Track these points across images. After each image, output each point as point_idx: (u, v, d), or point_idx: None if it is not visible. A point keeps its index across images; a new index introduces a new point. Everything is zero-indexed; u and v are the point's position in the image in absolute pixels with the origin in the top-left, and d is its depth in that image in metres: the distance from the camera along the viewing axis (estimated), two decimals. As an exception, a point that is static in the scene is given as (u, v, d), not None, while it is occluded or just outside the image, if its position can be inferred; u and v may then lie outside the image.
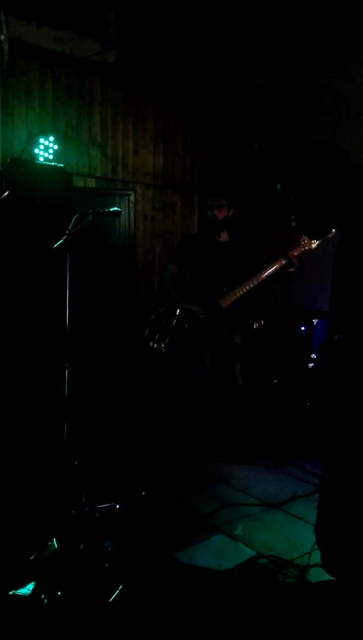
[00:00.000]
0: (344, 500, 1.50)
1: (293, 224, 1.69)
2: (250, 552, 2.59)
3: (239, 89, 5.53)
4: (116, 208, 2.69)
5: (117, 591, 1.90)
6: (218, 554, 2.58)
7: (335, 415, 1.57)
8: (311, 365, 4.04)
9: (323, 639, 1.75)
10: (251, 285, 3.49)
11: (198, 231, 5.78)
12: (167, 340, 3.42)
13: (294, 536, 2.75)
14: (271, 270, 3.46)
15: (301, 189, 1.60)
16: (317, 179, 1.56)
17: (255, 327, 4.50)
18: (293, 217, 1.68)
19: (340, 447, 1.55)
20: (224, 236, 3.76)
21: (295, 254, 3.40)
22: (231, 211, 3.69)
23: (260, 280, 3.48)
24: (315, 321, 4.03)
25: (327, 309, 4.33)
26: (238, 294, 3.51)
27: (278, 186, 1.67)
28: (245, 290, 3.50)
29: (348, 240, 1.55)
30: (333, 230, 1.71)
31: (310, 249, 3.38)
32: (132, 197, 5.51)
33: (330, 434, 1.61)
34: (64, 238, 2.49)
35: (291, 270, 3.44)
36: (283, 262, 3.41)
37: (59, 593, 1.86)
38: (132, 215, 5.51)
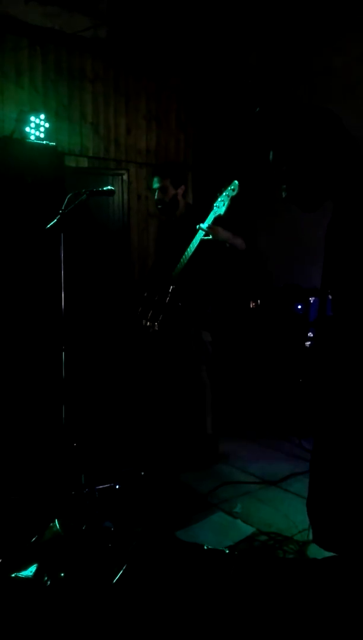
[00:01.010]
0: (334, 476, 1.50)
1: (284, 194, 1.65)
2: (250, 529, 2.61)
3: (232, 66, 5.43)
4: (109, 187, 2.65)
5: (121, 572, 1.91)
6: (218, 531, 2.60)
7: (326, 391, 1.56)
8: (308, 343, 4.04)
9: (324, 613, 1.77)
10: (184, 261, 3.34)
11: None
12: (160, 318, 3.37)
13: (292, 513, 2.77)
14: (192, 245, 3.30)
15: (293, 157, 1.56)
16: (310, 146, 1.51)
17: (251, 306, 4.49)
18: (284, 187, 1.64)
19: (330, 423, 1.55)
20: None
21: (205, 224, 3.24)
22: (182, 187, 3.56)
23: (188, 256, 3.32)
24: (311, 299, 4.03)
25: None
26: (177, 272, 3.37)
27: (271, 154, 1.63)
28: (181, 268, 3.35)
29: (342, 212, 1.51)
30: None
31: (220, 215, 3.22)
32: (125, 177, 5.43)
33: (320, 410, 1.60)
34: (57, 218, 2.45)
35: (212, 236, 3.24)
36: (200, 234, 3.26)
37: (62, 575, 1.87)
38: (125, 195, 5.44)
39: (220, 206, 3.20)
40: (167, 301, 3.37)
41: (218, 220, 3.24)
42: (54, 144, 3.79)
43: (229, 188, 3.19)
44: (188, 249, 3.32)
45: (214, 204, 3.22)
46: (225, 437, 3.92)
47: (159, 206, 3.56)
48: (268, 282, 4.69)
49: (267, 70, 5.07)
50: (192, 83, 5.79)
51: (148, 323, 3.41)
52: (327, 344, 1.58)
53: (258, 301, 4.49)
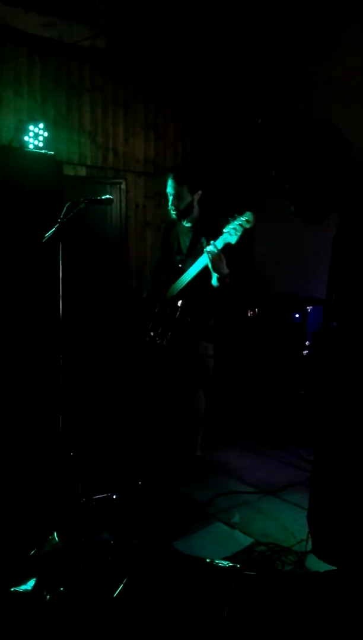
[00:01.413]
0: (335, 489, 1.49)
1: (292, 209, 1.65)
2: (248, 540, 2.59)
3: (231, 76, 5.47)
4: (108, 196, 2.66)
5: (121, 586, 1.88)
6: (217, 542, 2.58)
7: (328, 402, 1.56)
8: (305, 352, 4.04)
9: (323, 625, 1.75)
10: (185, 281, 3.27)
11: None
12: (169, 335, 3.33)
13: (291, 523, 2.76)
14: (196, 265, 3.22)
15: (296, 173, 1.56)
16: (312, 160, 1.52)
17: (249, 315, 4.49)
18: (291, 202, 1.64)
19: (332, 433, 1.54)
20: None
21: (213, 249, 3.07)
22: (199, 193, 3.42)
23: (190, 277, 3.25)
24: (309, 308, 4.03)
25: (321, 297, 4.32)
26: (180, 287, 3.32)
27: (273, 172, 1.63)
28: (184, 283, 3.29)
29: (348, 224, 1.52)
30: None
31: (230, 244, 3.01)
32: (123, 186, 5.44)
33: (323, 421, 1.59)
34: (56, 227, 2.45)
35: (211, 266, 3.11)
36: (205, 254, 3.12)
37: (62, 589, 1.84)
38: (123, 204, 5.45)
39: (232, 234, 3.00)
40: (177, 316, 3.33)
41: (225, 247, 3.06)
42: (52, 153, 3.81)
43: (243, 218, 2.99)
44: (189, 271, 3.26)
45: (225, 230, 3.03)
46: (223, 446, 3.91)
47: (174, 212, 3.44)
48: (266, 291, 4.70)
49: (266, 80, 5.11)
50: (190, 93, 5.83)
51: (157, 338, 3.36)
52: (330, 354, 1.58)
53: (256, 310, 4.49)
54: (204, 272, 3.21)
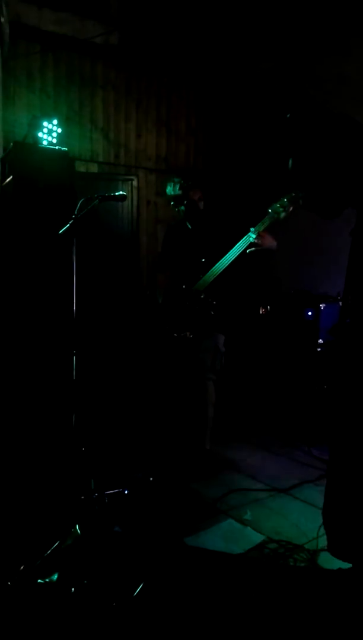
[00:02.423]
0: (351, 486, 1.49)
1: (301, 202, 1.64)
2: (260, 537, 2.59)
3: (243, 72, 5.44)
4: (121, 192, 2.66)
5: (141, 586, 1.89)
6: (228, 538, 2.58)
7: (344, 397, 1.55)
8: (318, 349, 4.02)
9: (336, 622, 1.75)
10: (222, 267, 3.33)
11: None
12: (195, 327, 3.40)
13: (303, 521, 2.75)
14: (235, 249, 3.28)
15: (312, 164, 1.54)
16: (332, 153, 1.50)
17: (261, 312, 4.47)
18: (302, 194, 1.63)
19: (349, 430, 1.53)
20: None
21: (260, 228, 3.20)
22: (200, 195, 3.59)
23: (230, 260, 3.30)
24: (322, 306, 4.00)
25: (333, 294, 4.29)
26: (211, 278, 3.38)
27: (290, 162, 1.61)
28: (216, 273, 3.35)
29: None
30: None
31: (278, 219, 3.17)
32: (135, 182, 5.45)
33: (339, 416, 1.58)
34: (70, 223, 2.45)
35: (260, 244, 3.20)
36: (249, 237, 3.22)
37: (85, 582, 1.85)
38: (135, 201, 5.45)
39: (280, 212, 3.13)
40: (198, 309, 3.39)
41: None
42: (66, 149, 3.80)
43: (292, 194, 3.08)
44: (227, 256, 3.30)
45: (271, 208, 3.15)
46: (234, 443, 3.90)
47: (192, 218, 3.55)
48: (278, 288, 4.67)
49: (281, 76, 5.07)
50: (202, 89, 5.81)
51: (182, 333, 3.42)
52: (346, 351, 1.56)
53: (268, 307, 4.48)
54: (240, 258, 3.28)
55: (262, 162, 5.01)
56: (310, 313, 4.05)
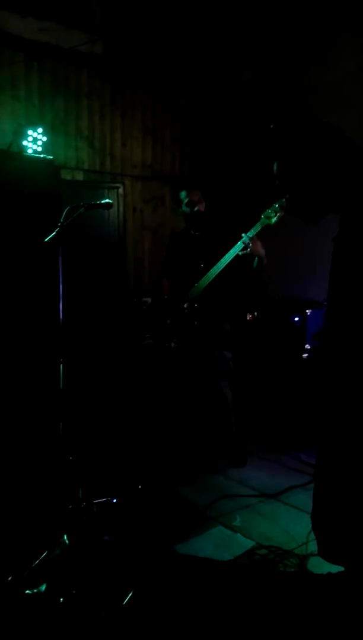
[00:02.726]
0: (339, 489, 1.50)
1: (286, 206, 1.65)
2: (250, 543, 2.59)
3: (228, 81, 5.49)
4: (107, 200, 2.66)
5: (130, 594, 1.88)
6: (218, 545, 2.58)
7: (329, 403, 1.56)
8: (305, 355, 4.04)
9: (326, 626, 1.75)
10: (214, 274, 3.40)
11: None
12: (179, 337, 3.42)
13: (292, 526, 2.76)
14: (228, 255, 3.35)
15: (296, 169, 1.56)
16: (314, 158, 1.52)
17: (248, 318, 4.49)
18: (285, 199, 1.65)
19: (334, 434, 1.54)
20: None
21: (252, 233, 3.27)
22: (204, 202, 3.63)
23: (221, 267, 3.37)
24: (308, 311, 4.03)
25: (319, 299, 4.32)
26: (204, 285, 3.43)
27: (274, 166, 1.63)
28: (210, 279, 3.40)
29: (349, 225, 1.52)
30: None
31: (269, 224, 3.23)
32: (121, 190, 5.46)
33: (324, 422, 1.59)
34: (56, 231, 2.45)
35: (250, 251, 3.26)
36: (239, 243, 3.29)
37: (74, 592, 1.83)
38: (121, 208, 5.46)
39: (271, 217, 3.22)
40: (184, 319, 3.42)
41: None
42: (51, 157, 3.81)
43: (282, 200, 3.11)
44: (221, 262, 3.36)
45: (263, 214, 3.23)
46: (225, 461, 3.88)
47: (202, 218, 3.59)
48: (265, 294, 4.70)
49: (265, 86, 5.13)
50: (188, 97, 5.85)
51: (166, 343, 3.45)
52: (329, 356, 1.58)
53: (255, 313, 4.50)
54: (230, 269, 3.36)
55: (248, 169, 5.05)
56: (296, 319, 4.08)
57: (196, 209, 3.56)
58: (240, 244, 3.29)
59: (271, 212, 3.21)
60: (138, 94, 5.51)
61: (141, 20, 5.23)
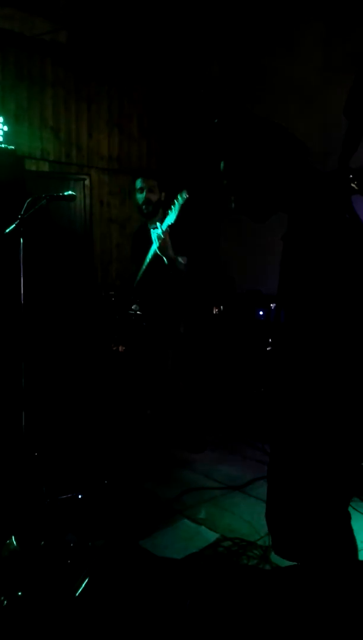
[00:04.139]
0: (289, 484, 1.51)
1: (233, 205, 1.65)
2: (214, 536, 2.60)
3: (194, 74, 5.46)
4: (70, 192, 2.62)
5: (83, 585, 1.86)
6: (183, 538, 2.58)
7: (280, 397, 1.57)
8: (269, 348, 4.08)
9: (285, 618, 1.78)
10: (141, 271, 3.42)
11: None
12: (127, 341, 3.40)
13: (256, 518, 2.78)
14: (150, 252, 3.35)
15: (243, 168, 1.56)
16: (259, 158, 1.52)
17: (214, 312, 4.51)
18: (233, 197, 1.65)
19: (284, 429, 1.55)
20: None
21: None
22: (163, 194, 3.54)
23: (145, 266, 3.40)
24: (272, 305, 4.07)
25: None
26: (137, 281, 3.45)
27: (221, 164, 1.63)
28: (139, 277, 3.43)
29: (295, 224, 1.54)
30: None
31: (171, 223, 3.16)
32: (87, 182, 5.39)
33: (276, 417, 1.61)
34: (16, 223, 2.40)
35: (158, 249, 3.22)
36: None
37: (20, 593, 1.80)
38: (88, 201, 5.39)
39: (169, 213, 3.16)
40: (131, 320, 3.39)
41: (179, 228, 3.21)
42: (12, 147, 3.72)
43: (180, 196, 3.12)
44: (144, 262, 3.36)
45: (169, 210, 3.18)
46: (186, 447, 3.89)
47: (146, 207, 3.50)
48: (231, 288, 4.72)
49: (229, 79, 5.13)
50: (154, 90, 5.80)
51: (115, 346, 3.42)
52: (280, 350, 1.59)
53: (221, 307, 4.52)
54: (155, 263, 3.31)
55: (213, 163, 5.05)
56: (261, 313, 4.11)
57: (144, 195, 3.48)
58: (155, 245, 3.24)
59: (173, 208, 3.13)
60: (104, 85, 5.44)
61: (106, 10, 5.15)
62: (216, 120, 1.56)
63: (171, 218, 3.14)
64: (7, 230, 2.38)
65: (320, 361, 1.42)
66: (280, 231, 1.86)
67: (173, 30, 5.32)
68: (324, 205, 1.48)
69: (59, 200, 2.56)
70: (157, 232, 3.18)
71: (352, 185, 1.72)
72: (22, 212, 2.42)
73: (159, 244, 3.19)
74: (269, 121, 1.55)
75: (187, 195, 3.08)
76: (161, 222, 3.21)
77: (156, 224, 3.24)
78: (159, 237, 3.18)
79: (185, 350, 3.65)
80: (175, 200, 3.12)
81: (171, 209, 3.14)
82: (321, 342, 1.42)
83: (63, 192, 2.58)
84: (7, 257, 2.82)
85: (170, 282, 3.42)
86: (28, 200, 2.47)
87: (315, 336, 1.43)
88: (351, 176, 1.76)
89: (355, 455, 1.50)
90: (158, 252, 3.22)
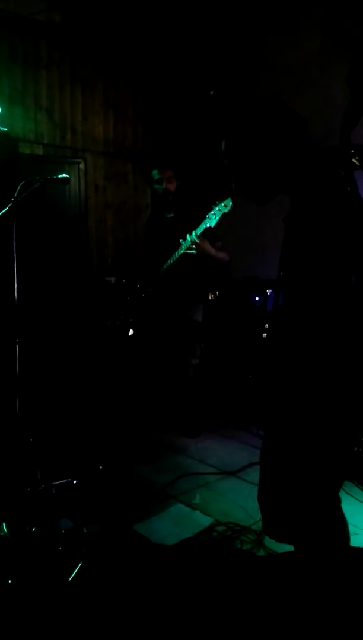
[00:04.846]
0: (281, 468, 1.51)
1: (234, 185, 1.63)
2: (208, 520, 2.62)
3: (190, 56, 5.37)
4: (64, 175, 2.58)
5: (76, 570, 1.86)
6: (177, 523, 2.60)
7: (274, 382, 1.56)
8: (265, 335, 4.07)
9: (279, 601, 1.79)
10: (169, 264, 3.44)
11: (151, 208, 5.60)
12: (134, 322, 3.42)
13: (250, 502, 2.79)
14: (177, 253, 3.40)
15: (245, 148, 1.53)
16: (262, 137, 1.49)
17: (210, 298, 4.49)
18: (234, 178, 1.62)
19: (277, 413, 1.55)
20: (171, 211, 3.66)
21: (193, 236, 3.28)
22: (178, 183, 3.60)
23: (173, 261, 3.43)
24: (268, 291, 4.06)
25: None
26: (162, 272, 3.48)
27: (223, 144, 1.60)
28: (164, 269, 3.46)
29: (297, 206, 1.51)
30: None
31: (210, 227, 3.24)
32: (82, 166, 5.32)
33: (269, 401, 1.60)
34: (9, 206, 2.36)
35: (197, 252, 3.31)
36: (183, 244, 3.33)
37: (10, 581, 1.80)
38: (83, 185, 5.33)
39: (212, 218, 3.21)
40: (140, 302, 3.41)
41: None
42: (6, 129, 3.66)
43: (222, 204, 3.19)
44: (172, 257, 3.38)
45: (207, 215, 3.22)
46: (181, 432, 3.91)
47: (170, 198, 3.55)
48: (227, 274, 4.70)
49: (224, 62, 5.04)
50: (150, 72, 5.71)
51: (122, 329, 3.46)
52: (276, 335, 1.58)
53: (217, 293, 4.50)
54: (182, 264, 3.38)
55: (210, 145, 4.99)
56: (257, 298, 4.10)
57: (164, 186, 3.53)
58: (184, 245, 3.30)
59: (213, 214, 3.21)
60: (99, 67, 5.36)
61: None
62: (211, 92, 1.52)
63: (208, 223, 3.21)
64: (0, 213, 2.34)
65: (317, 344, 1.41)
66: (277, 216, 1.84)
67: (168, 11, 5.22)
68: (326, 182, 1.45)
69: (53, 183, 2.52)
70: (192, 237, 3.26)
71: (354, 160, 1.69)
72: (15, 195, 2.38)
73: (198, 251, 3.28)
74: (269, 96, 1.51)
75: (232, 203, 3.15)
76: (196, 227, 3.26)
77: (172, 212, 3.41)
78: (194, 243, 3.26)
79: (201, 339, 3.71)
80: (216, 208, 3.18)
81: (210, 213, 3.20)
82: (319, 325, 1.41)
83: (56, 176, 2.54)
84: (1, 240, 2.79)
85: (200, 275, 3.58)
86: (22, 183, 2.43)
87: (313, 319, 1.41)
88: (352, 151, 1.73)
89: (347, 439, 1.50)
90: (200, 253, 3.30)
